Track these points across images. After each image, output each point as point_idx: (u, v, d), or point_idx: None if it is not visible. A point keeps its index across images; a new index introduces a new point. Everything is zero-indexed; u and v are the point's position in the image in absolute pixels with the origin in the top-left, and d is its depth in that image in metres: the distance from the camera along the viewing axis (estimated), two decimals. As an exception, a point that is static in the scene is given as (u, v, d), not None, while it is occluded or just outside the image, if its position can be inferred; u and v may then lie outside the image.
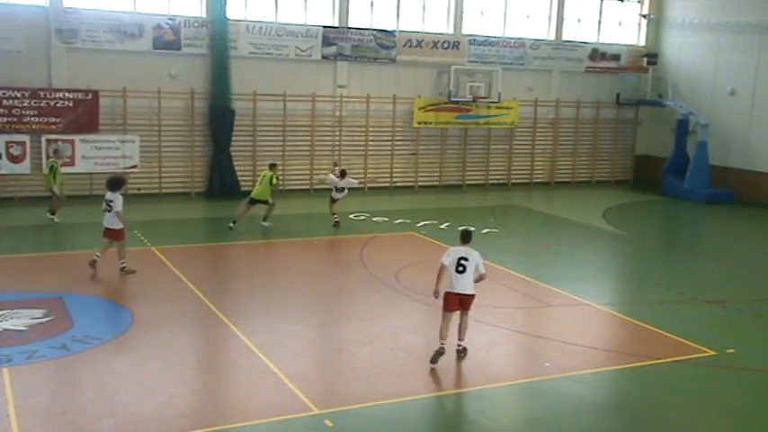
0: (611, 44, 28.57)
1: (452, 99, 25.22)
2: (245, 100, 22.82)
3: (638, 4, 29.10)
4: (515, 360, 10.70)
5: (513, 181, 27.41)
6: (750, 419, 9.01)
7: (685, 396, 9.55)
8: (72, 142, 20.88)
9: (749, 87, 25.69)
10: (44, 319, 11.10)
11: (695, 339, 11.23)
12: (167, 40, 21.92)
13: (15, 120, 20.31)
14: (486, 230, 18.61)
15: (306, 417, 8.35)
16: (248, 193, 22.96)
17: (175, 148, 22.55)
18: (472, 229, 10.46)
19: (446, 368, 10.03)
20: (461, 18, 25.89)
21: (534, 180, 27.82)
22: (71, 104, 20.84)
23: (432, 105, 25.45)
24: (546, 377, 9.78)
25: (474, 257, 9.98)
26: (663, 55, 28.72)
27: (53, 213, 18.01)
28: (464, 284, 9.95)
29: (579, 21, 28.15)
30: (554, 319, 12.34)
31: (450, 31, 25.80)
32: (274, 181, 18.14)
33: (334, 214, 18.68)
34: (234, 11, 22.53)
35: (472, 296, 10.08)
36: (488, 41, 26.27)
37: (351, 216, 19.63)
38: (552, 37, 27.50)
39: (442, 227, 18.96)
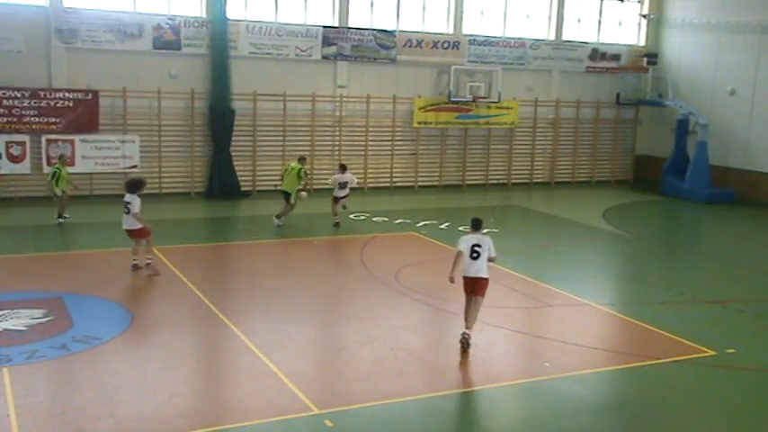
0: (611, 44, 28.57)
1: (452, 99, 25.22)
2: (245, 100, 22.82)
3: (638, 4, 29.10)
4: (515, 360, 10.69)
5: (513, 181, 27.41)
6: (750, 419, 9.01)
7: (685, 396, 9.55)
8: (72, 142, 20.88)
9: (749, 87, 25.69)
10: (44, 319, 11.10)
11: (695, 339, 11.23)
12: (167, 40, 21.92)
13: (15, 120, 20.32)
14: (486, 230, 18.52)
15: (306, 417, 8.35)
16: (248, 193, 23.17)
17: (175, 148, 22.56)
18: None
19: (446, 368, 10.04)
20: (461, 18, 25.89)
21: (534, 180, 27.82)
22: (71, 104, 20.85)
23: (432, 105, 25.45)
24: (546, 377, 9.77)
25: (486, 243, 10.61)
26: (663, 55, 28.72)
27: (60, 216, 17.87)
28: (477, 269, 10.50)
29: (579, 21, 28.15)
30: (554, 319, 12.34)
31: (450, 31, 25.80)
32: (302, 174, 18.04)
33: (335, 215, 18.68)
34: (234, 11, 22.53)
35: (486, 280, 10.57)
36: (488, 41, 26.27)
37: (351, 216, 19.62)
38: (552, 37, 27.50)
39: (442, 227, 18.96)
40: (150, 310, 12.00)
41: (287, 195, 18.16)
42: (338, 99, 24.28)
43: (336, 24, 24.05)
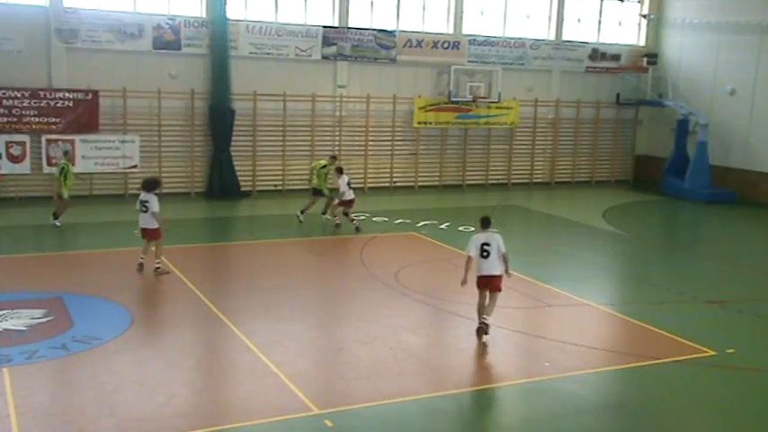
0: (611, 44, 28.57)
1: (452, 99, 25.22)
2: (245, 100, 22.82)
3: (638, 4, 29.10)
4: (515, 360, 10.70)
5: (513, 181, 27.41)
6: (750, 419, 9.00)
7: (685, 396, 9.56)
8: (72, 142, 20.85)
9: (749, 87, 25.69)
10: (44, 319, 11.10)
11: (695, 339, 11.23)
12: (167, 40, 21.92)
13: (15, 120, 20.31)
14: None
15: (306, 417, 8.35)
16: (248, 193, 23.17)
17: (175, 148, 22.56)
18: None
19: (446, 368, 10.05)
20: (461, 18, 25.89)
21: (534, 180, 27.82)
22: (71, 104, 20.85)
23: (432, 105, 25.45)
24: (546, 377, 9.77)
25: (495, 240, 10.78)
26: (663, 55, 28.72)
27: (56, 218, 17.60)
28: (489, 267, 10.72)
29: (579, 21, 28.15)
30: (554, 319, 12.34)
31: (450, 31, 25.80)
32: (324, 170, 18.71)
33: (335, 216, 18.64)
34: (234, 11, 22.53)
35: (499, 276, 10.79)
36: (488, 41, 26.27)
37: (352, 216, 19.59)
38: (552, 37, 27.50)
39: (442, 227, 18.96)
40: (150, 310, 12.00)
41: (317, 192, 18.78)
42: (338, 99, 24.28)
43: (336, 24, 24.05)
